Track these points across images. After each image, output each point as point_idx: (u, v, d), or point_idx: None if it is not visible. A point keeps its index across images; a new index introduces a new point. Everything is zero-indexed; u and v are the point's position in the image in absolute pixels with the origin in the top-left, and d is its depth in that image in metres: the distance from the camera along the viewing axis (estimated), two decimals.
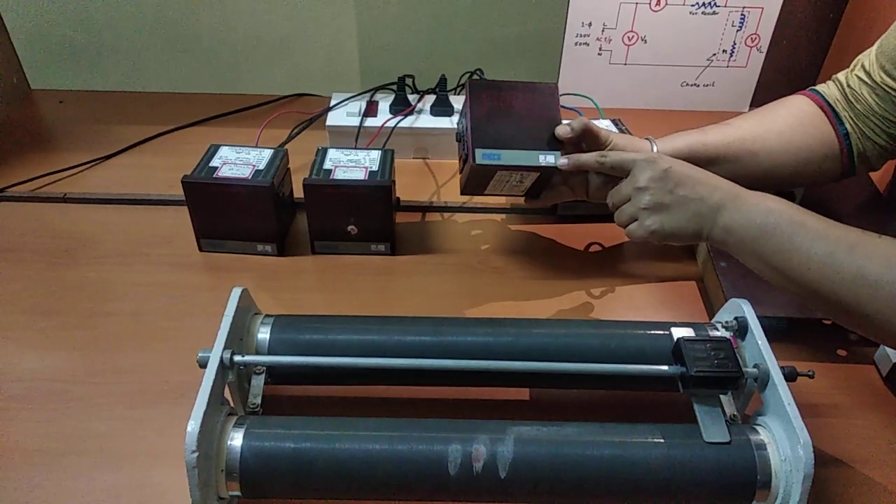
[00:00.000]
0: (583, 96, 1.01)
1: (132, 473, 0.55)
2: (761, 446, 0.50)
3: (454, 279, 0.76)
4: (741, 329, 0.56)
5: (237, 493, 0.49)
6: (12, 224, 0.81)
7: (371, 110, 0.92)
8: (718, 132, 0.72)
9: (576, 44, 1.00)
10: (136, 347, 0.66)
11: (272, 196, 0.73)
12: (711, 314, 0.71)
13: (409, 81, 0.94)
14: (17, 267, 0.75)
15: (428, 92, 0.95)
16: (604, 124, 0.86)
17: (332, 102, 0.93)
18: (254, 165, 0.75)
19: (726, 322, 0.58)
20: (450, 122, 0.92)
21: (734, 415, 0.54)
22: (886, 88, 0.67)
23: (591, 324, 0.64)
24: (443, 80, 0.91)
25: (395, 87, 0.92)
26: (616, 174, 0.66)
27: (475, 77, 0.89)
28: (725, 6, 0.97)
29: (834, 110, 0.71)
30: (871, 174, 0.83)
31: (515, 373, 0.56)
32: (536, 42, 1.05)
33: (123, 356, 0.65)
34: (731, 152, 0.71)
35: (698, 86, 1.05)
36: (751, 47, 1.01)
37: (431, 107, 0.93)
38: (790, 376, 0.52)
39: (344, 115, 0.91)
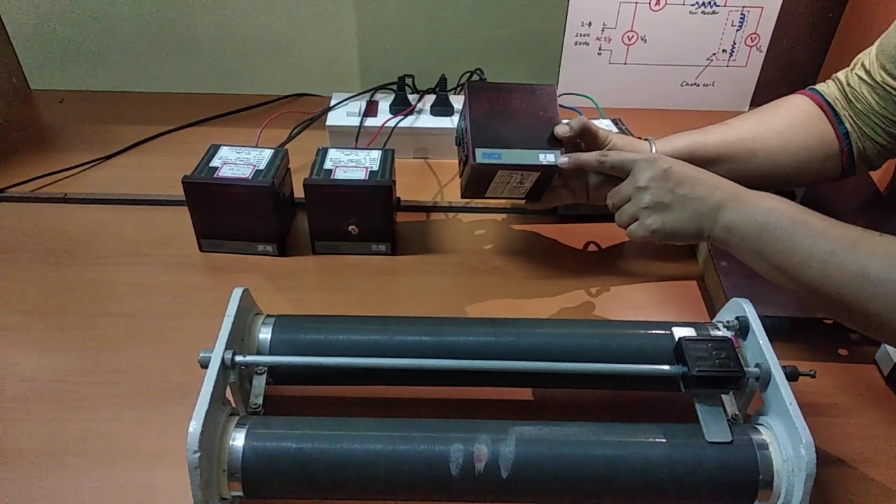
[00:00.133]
0: (583, 96, 1.01)
1: (133, 474, 0.55)
2: (763, 446, 0.50)
3: (455, 279, 0.76)
4: (742, 328, 0.56)
5: (239, 493, 0.49)
6: (12, 224, 0.81)
7: (371, 110, 0.92)
8: (718, 132, 0.72)
9: (576, 43, 1.00)
10: (137, 347, 0.66)
11: (272, 196, 0.73)
12: (712, 314, 0.71)
13: (409, 81, 0.94)
14: (17, 267, 0.75)
15: (428, 92, 0.95)
16: (604, 124, 0.86)
17: (332, 102, 0.93)
18: (254, 165, 0.75)
19: (727, 321, 0.58)
20: (450, 122, 0.91)
21: (736, 414, 0.54)
22: (886, 87, 0.67)
23: (592, 323, 0.64)
24: (443, 80, 0.91)
25: (395, 86, 0.92)
26: (616, 174, 0.66)
27: (475, 77, 0.89)
28: (725, 6, 0.97)
29: (834, 109, 0.71)
30: (871, 173, 0.84)
31: (517, 373, 0.56)
32: (536, 42, 1.05)
33: (123, 356, 0.65)
34: (731, 152, 0.71)
35: (698, 85, 1.05)
36: (751, 47, 1.01)
37: (431, 107, 0.93)
38: (792, 376, 0.52)
39: (344, 115, 0.91)
